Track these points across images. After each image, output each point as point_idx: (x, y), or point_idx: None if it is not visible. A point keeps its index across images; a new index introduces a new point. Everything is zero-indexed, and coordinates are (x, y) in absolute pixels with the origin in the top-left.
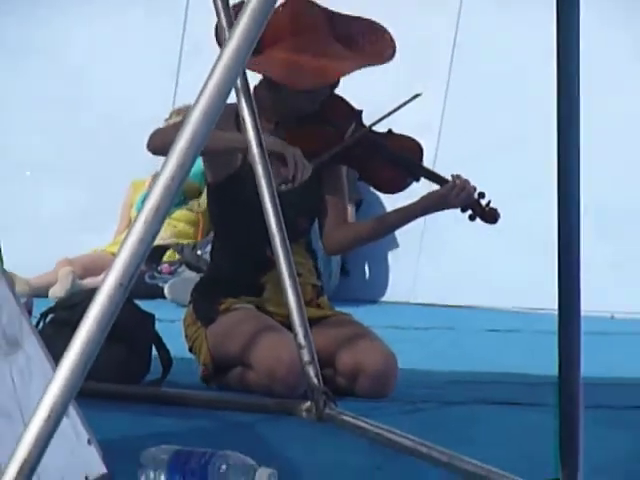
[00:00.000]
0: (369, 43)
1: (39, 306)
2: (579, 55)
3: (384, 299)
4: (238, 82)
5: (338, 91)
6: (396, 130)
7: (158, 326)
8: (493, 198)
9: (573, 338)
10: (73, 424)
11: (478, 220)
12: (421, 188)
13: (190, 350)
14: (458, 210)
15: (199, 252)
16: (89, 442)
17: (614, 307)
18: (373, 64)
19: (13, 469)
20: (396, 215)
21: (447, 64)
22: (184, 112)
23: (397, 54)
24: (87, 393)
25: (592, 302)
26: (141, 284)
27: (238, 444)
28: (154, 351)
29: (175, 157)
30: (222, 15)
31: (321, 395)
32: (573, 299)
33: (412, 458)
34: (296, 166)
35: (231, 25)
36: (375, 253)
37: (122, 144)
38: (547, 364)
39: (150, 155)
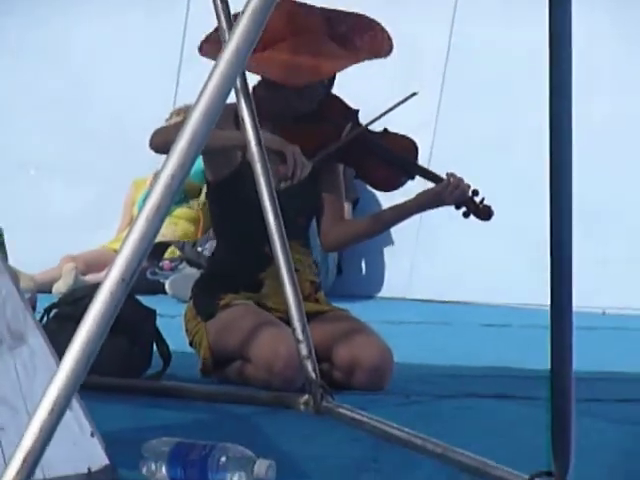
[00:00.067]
0: (366, 39)
1: (43, 301)
2: (571, 56)
3: (380, 295)
4: (237, 83)
5: (335, 91)
6: (392, 129)
7: (159, 321)
8: (487, 196)
9: (565, 333)
10: (76, 416)
11: (472, 217)
12: (416, 186)
13: (191, 344)
14: (452, 207)
15: (199, 249)
16: (92, 434)
17: (605, 303)
18: (370, 58)
19: (17, 460)
20: (392, 212)
21: (442, 64)
22: (184, 112)
23: (393, 54)
24: (90, 386)
25: (583, 298)
26: (143, 280)
27: (237, 436)
28: (155, 345)
29: (175, 156)
30: (222, 17)
31: (318, 388)
32: (565, 295)
33: (407, 450)
34: (295, 163)
35: (231, 27)
36: (371, 250)
37: (124, 144)
38: (540, 358)
39: (151, 154)
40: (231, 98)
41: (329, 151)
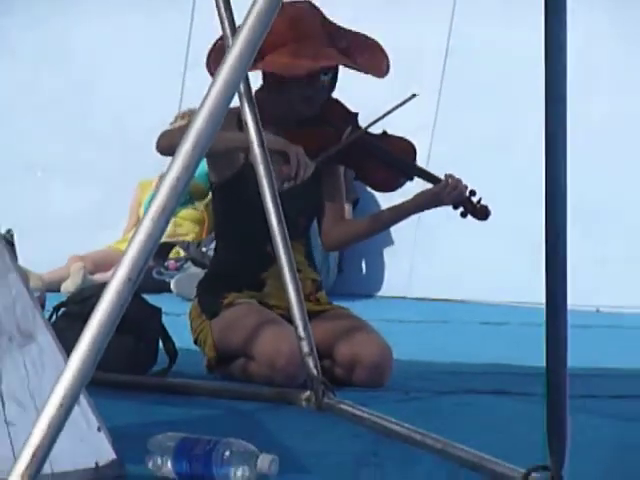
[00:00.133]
0: (366, 57)
1: (52, 300)
2: (566, 58)
3: (380, 294)
4: (241, 87)
5: (335, 94)
6: (391, 131)
7: (165, 319)
8: (485, 196)
9: (560, 331)
10: (84, 412)
11: (470, 217)
12: (415, 187)
13: (195, 342)
14: (450, 207)
15: (204, 249)
16: (99, 429)
17: (599, 301)
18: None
19: (27, 454)
20: (391, 213)
21: (440, 68)
22: (188, 116)
23: (392, 58)
24: (97, 383)
25: (578, 296)
26: (149, 279)
27: (241, 431)
28: (161, 343)
29: (180, 159)
30: (226, 24)
31: (320, 385)
32: (560, 293)
33: (407, 445)
34: (299, 164)
35: (234, 33)
36: (371, 250)
37: (130, 146)
38: (535, 355)
39: (157, 157)
40: (234, 102)
41: (329, 153)
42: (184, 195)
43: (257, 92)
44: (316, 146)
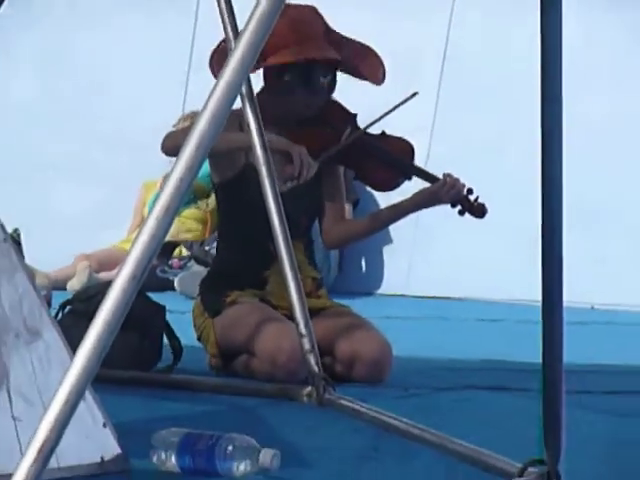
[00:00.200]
0: (366, 64)
1: (58, 298)
2: (561, 58)
3: (379, 291)
4: (243, 89)
5: (334, 97)
6: (389, 132)
7: (169, 317)
8: (482, 195)
9: (556, 327)
10: (89, 408)
11: (467, 215)
12: (413, 186)
13: (198, 339)
14: (448, 206)
15: (207, 248)
16: (104, 425)
17: (594, 298)
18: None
19: (33, 450)
20: (389, 212)
21: (438, 69)
22: (191, 118)
23: (391, 60)
24: (102, 379)
25: (573, 294)
26: (153, 277)
27: (243, 427)
28: (165, 340)
29: (184, 160)
30: (228, 28)
31: (321, 381)
32: (556, 291)
33: (406, 440)
34: (302, 163)
35: (236, 36)
36: (371, 248)
37: (135, 147)
38: (532, 352)
39: (161, 157)
40: (236, 104)
41: (329, 154)
42: (188, 195)
43: (258, 94)
44: (316, 146)
